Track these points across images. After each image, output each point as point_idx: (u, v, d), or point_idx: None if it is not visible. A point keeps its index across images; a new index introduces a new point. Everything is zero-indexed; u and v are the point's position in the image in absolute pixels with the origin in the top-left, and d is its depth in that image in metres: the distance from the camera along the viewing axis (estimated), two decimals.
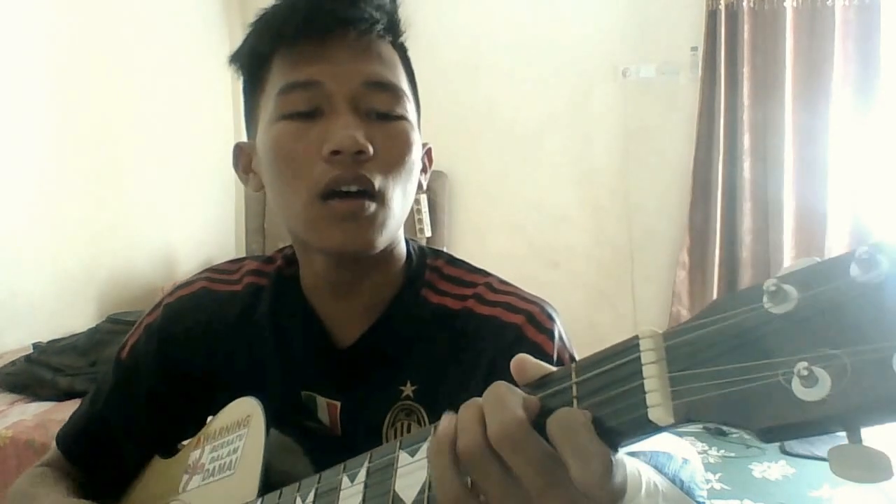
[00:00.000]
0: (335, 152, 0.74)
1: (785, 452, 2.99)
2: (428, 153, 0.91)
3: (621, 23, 3.58)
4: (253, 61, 0.83)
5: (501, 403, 0.47)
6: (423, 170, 0.90)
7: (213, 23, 2.90)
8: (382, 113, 0.78)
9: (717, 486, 2.78)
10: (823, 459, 2.84)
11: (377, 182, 0.76)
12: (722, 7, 3.35)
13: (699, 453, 2.83)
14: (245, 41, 0.83)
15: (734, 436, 3.14)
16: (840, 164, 3.28)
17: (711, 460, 2.97)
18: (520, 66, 3.73)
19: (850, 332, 0.36)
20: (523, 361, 0.51)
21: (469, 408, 0.49)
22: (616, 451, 0.45)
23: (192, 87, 3.08)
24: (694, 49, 3.51)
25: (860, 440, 0.36)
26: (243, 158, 0.88)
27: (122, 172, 3.23)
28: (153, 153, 3.36)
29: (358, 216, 0.76)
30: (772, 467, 2.90)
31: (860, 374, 0.35)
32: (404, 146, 0.79)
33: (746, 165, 3.40)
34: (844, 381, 0.35)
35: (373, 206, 0.76)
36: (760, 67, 3.36)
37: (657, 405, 0.42)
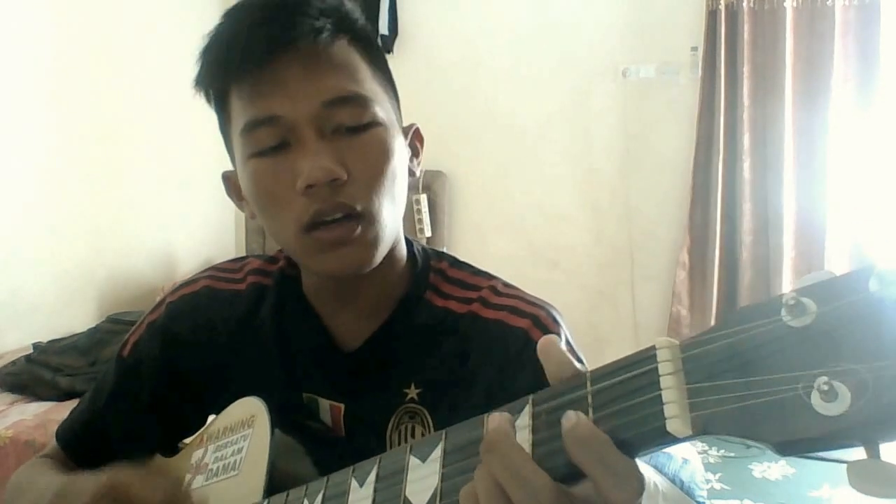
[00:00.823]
0: (310, 186, 0.73)
1: None
2: (416, 134, 0.89)
3: (621, 23, 3.58)
4: (214, 98, 0.81)
5: (521, 478, 0.45)
6: (415, 154, 0.88)
7: (212, 22, 2.89)
8: (350, 126, 0.76)
9: (717, 486, 2.79)
10: (824, 460, 2.85)
11: (360, 204, 0.75)
12: (722, 7, 3.35)
13: (699, 453, 2.82)
14: (199, 73, 0.80)
15: None
16: (840, 163, 3.27)
17: (711, 460, 2.97)
18: (520, 66, 3.72)
19: (871, 346, 0.36)
20: (550, 343, 0.50)
21: (484, 482, 0.47)
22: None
23: (191, 86, 3.05)
24: (694, 49, 3.51)
25: (879, 455, 0.36)
26: (233, 187, 0.86)
27: (122, 172, 3.23)
28: (153, 153, 3.36)
29: (347, 241, 0.75)
30: (772, 467, 2.91)
31: (881, 389, 0.35)
32: (381, 156, 0.77)
33: (746, 165, 3.40)
34: (865, 396, 0.35)
35: (359, 228, 0.75)
36: (760, 67, 3.36)
37: (675, 417, 0.42)
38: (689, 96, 3.51)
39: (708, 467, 2.85)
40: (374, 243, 0.77)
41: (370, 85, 0.79)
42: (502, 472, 0.46)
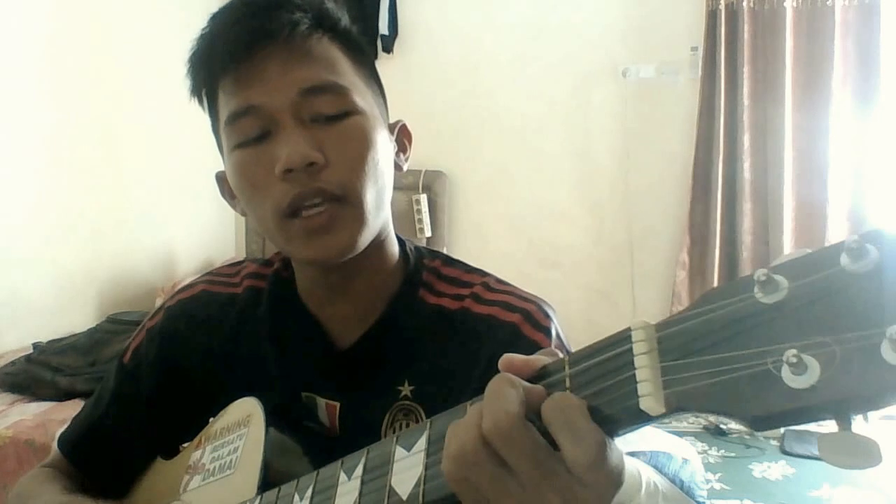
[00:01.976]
0: (287, 171, 0.74)
1: (785, 452, 2.99)
2: (402, 130, 0.89)
3: (621, 23, 3.58)
4: (205, 98, 0.83)
5: (497, 398, 0.47)
6: (402, 150, 0.89)
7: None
8: (329, 115, 0.77)
9: (717, 486, 2.78)
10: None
11: (340, 188, 0.75)
12: (722, 7, 3.35)
13: (699, 453, 2.82)
14: (189, 77, 0.82)
15: (734, 436, 3.14)
16: (840, 163, 3.28)
17: (711, 460, 2.96)
18: (520, 66, 3.73)
19: (840, 320, 0.36)
20: (510, 361, 0.51)
21: (476, 404, 0.49)
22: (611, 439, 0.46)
23: (188, 94, 3.04)
24: (694, 49, 3.51)
25: (850, 427, 0.36)
26: (226, 187, 0.87)
27: (122, 172, 3.23)
28: (153, 153, 3.36)
29: (329, 227, 0.75)
30: (772, 467, 2.90)
31: (849, 361, 0.35)
32: (360, 142, 0.78)
33: (746, 165, 3.41)
34: (834, 368, 0.35)
35: (341, 212, 0.76)
36: (760, 67, 3.37)
37: (648, 395, 0.42)
38: (689, 96, 3.52)
39: (708, 467, 2.84)
40: (357, 227, 0.77)
41: (350, 77, 0.80)
42: (488, 389, 0.48)
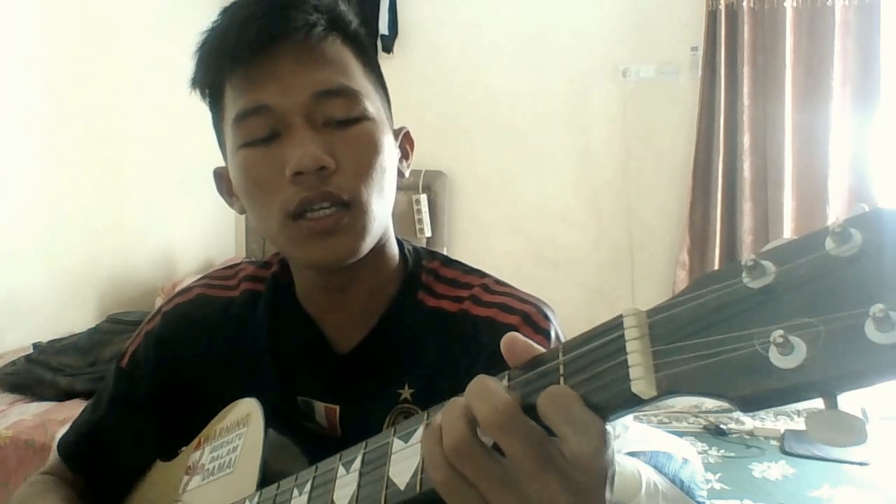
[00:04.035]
0: (298, 173, 0.74)
1: (785, 452, 2.99)
2: (406, 137, 0.89)
3: (621, 23, 3.59)
4: (209, 92, 0.82)
5: (487, 392, 0.48)
6: (405, 156, 0.89)
7: (211, 18, 2.89)
8: (341, 119, 0.77)
9: (717, 486, 2.78)
10: (823, 459, 2.85)
11: (347, 194, 0.75)
12: (722, 7, 3.36)
13: (699, 453, 2.82)
14: (195, 69, 0.81)
15: (734, 436, 3.14)
16: (840, 163, 3.28)
17: (711, 460, 2.96)
18: (520, 66, 3.74)
19: (825, 301, 0.37)
20: (513, 340, 0.52)
21: (452, 405, 0.49)
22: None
23: (188, 85, 3.03)
24: (694, 49, 3.52)
25: (837, 406, 0.37)
26: (225, 184, 0.87)
27: (122, 171, 3.23)
28: (153, 153, 3.36)
29: (334, 230, 0.75)
30: (772, 467, 2.90)
31: (834, 340, 0.36)
32: (370, 149, 0.78)
33: (746, 165, 3.41)
34: (819, 347, 0.36)
35: (347, 217, 0.75)
36: (760, 67, 3.37)
37: (640, 378, 0.43)
38: (689, 96, 3.52)
39: (708, 467, 2.84)
40: (361, 233, 0.77)
41: (361, 81, 0.80)
42: (471, 388, 0.49)
